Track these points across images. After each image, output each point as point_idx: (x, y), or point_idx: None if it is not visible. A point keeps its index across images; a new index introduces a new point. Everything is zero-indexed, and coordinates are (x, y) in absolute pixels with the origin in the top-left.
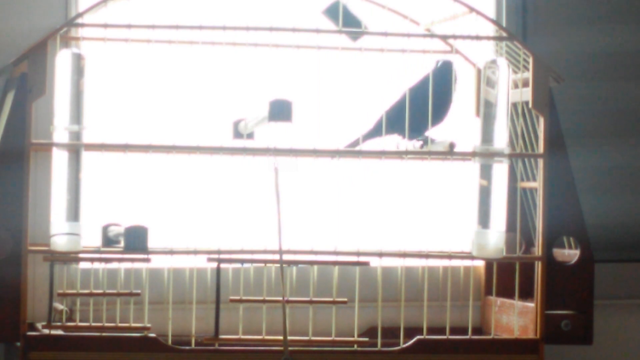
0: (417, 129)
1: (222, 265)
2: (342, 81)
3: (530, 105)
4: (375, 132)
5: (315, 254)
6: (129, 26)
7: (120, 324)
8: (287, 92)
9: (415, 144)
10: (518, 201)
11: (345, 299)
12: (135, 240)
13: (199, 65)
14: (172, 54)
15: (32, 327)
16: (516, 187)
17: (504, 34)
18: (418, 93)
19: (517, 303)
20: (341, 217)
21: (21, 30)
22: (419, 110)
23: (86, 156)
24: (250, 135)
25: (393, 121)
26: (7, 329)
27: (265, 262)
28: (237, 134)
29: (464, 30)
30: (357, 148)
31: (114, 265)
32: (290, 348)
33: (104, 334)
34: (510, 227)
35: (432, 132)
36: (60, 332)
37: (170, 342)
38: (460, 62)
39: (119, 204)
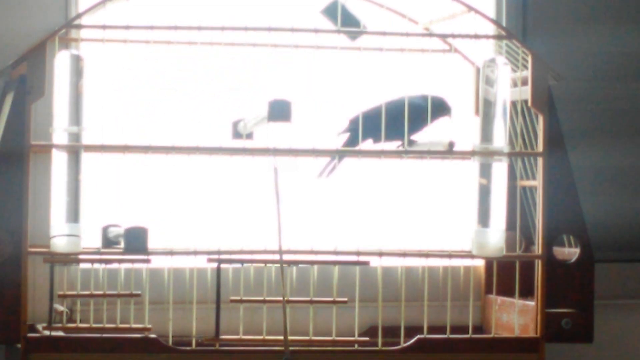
0: (391, 136)
1: (222, 266)
2: (341, 80)
3: (529, 103)
4: (351, 141)
5: (315, 253)
6: (127, 27)
7: (120, 325)
8: (286, 92)
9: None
10: (518, 200)
11: (346, 299)
12: (135, 241)
13: (198, 66)
14: (171, 55)
15: (33, 328)
16: (516, 186)
17: (503, 33)
18: (397, 104)
19: (518, 302)
20: (341, 217)
21: (20, 32)
22: (395, 119)
23: (86, 157)
24: (249, 136)
25: (368, 127)
26: (7, 330)
27: (266, 262)
28: (237, 134)
29: (463, 29)
30: (357, 147)
31: (114, 266)
32: (290, 348)
33: (104, 335)
34: (510, 225)
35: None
36: (60, 333)
37: (170, 342)
38: (459, 61)
39: (118, 205)
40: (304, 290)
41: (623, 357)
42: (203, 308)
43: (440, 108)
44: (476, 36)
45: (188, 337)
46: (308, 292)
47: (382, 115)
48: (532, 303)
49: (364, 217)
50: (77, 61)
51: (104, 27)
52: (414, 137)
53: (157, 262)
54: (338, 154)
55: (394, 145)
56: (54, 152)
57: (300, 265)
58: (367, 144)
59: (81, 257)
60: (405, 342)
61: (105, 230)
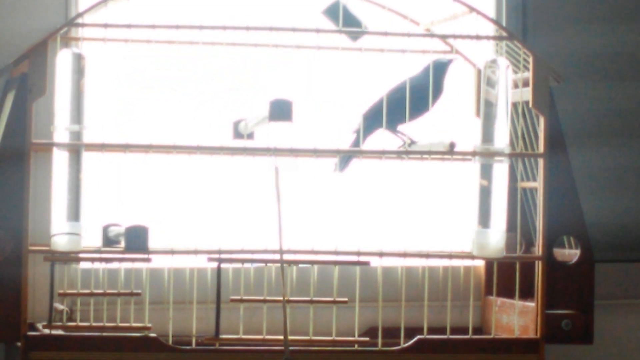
0: (396, 120)
1: (223, 265)
2: (342, 81)
3: (530, 105)
4: (358, 140)
5: (316, 253)
6: (129, 26)
7: (120, 324)
8: (287, 92)
9: (397, 142)
10: (518, 201)
11: (346, 299)
12: (136, 240)
13: (199, 65)
14: (173, 54)
15: (33, 327)
16: (516, 187)
17: (504, 34)
18: (400, 87)
19: (518, 303)
20: (341, 217)
21: (21, 31)
22: (399, 101)
23: (86, 156)
24: (250, 135)
25: (373, 118)
26: (7, 329)
27: (266, 261)
28: (238, 134)
29: (464, 30)
30: (357, 148)
31: (114, 265)
32: (290, 348)
33: (104, 334)
34: (511, 227)
35: (412, 125)
36: (60, 332)
37: (170, 342)
38: (460, 62)
39: (119, 204)
40: (304, 290)
41: (623, 358)
42: (203, 307)
43: (441, 67)
44: (477, 37)
45: (188, 337)
46: (308, 292)
47: (387, 104)
48: (532, 304)
49: (364, 217)
50: (78, 60)
51: (105, 25)
52: (421, 117)
53: (158, 262)
54: (338, 154)
55: (403, 128)
56: (55, 150)
57: (300, 265)
58: (379, 134)
59: (82, 255)
60: (405, 342)
61: (105, 229)
